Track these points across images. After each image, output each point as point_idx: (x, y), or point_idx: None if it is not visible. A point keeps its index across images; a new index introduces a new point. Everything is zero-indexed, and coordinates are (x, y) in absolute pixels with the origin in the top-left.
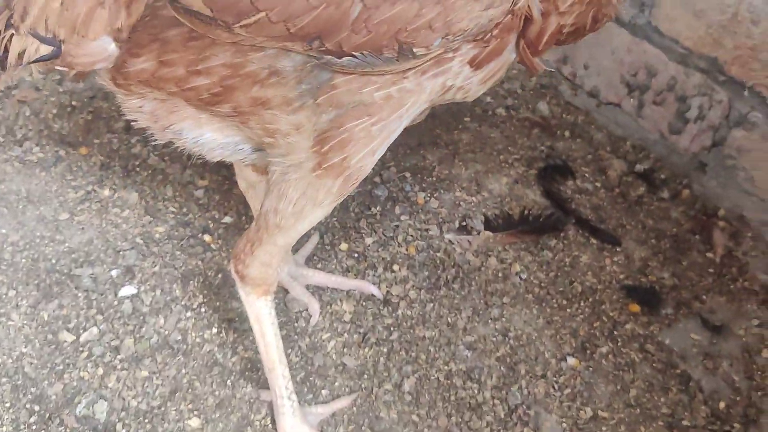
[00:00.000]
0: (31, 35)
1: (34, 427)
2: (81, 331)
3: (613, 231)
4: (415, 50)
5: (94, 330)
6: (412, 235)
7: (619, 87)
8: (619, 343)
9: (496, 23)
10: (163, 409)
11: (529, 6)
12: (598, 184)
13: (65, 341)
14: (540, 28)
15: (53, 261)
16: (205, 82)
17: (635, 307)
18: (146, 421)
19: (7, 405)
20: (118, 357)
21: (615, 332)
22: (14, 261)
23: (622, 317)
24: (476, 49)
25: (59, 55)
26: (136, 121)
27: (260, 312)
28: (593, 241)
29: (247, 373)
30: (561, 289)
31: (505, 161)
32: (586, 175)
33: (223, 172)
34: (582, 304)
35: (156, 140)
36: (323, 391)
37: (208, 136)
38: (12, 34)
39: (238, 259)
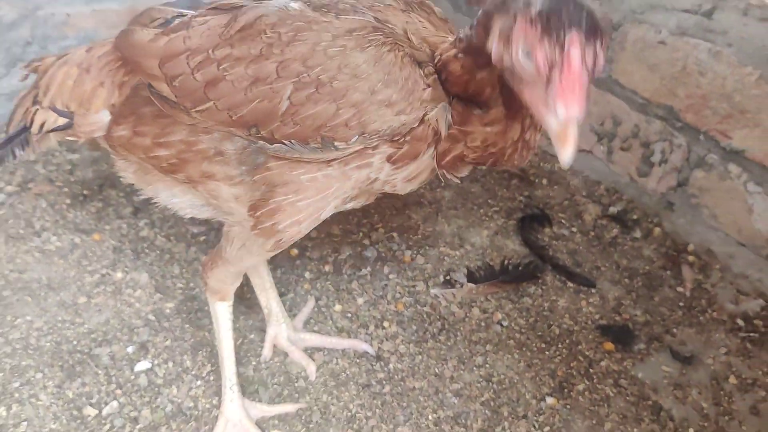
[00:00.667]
0: (50, 109)
1: None
2: (103, 405)
3: (589, 274)
4: (336, 143)
5: (115, 404)
6: (400, 293)
7: (589, 135)
8: (595, 380)
9: (410, 129)
10: None
11: (437, 121)
12: (574, 229)
13: (89, 416)
14: (445, 148)
15: (74, 342)
16: (165, 153)
17: (609, 345)
18: None
19: None
20: (137, 427)
21: (591, 370)
22: (39, 345)
23: (597, 355)
24: (392, 149)
25: (71, 126)
26: (124, 177)
27: (217, 312)
28: (570, 285)
29: None
30: (540, 333)
31: (486, 214)
32: (563, 221)
33: None
34: (560, 345)
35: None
36: None
37: (177, 198)
38: (37, 109)
39: (204, 269)
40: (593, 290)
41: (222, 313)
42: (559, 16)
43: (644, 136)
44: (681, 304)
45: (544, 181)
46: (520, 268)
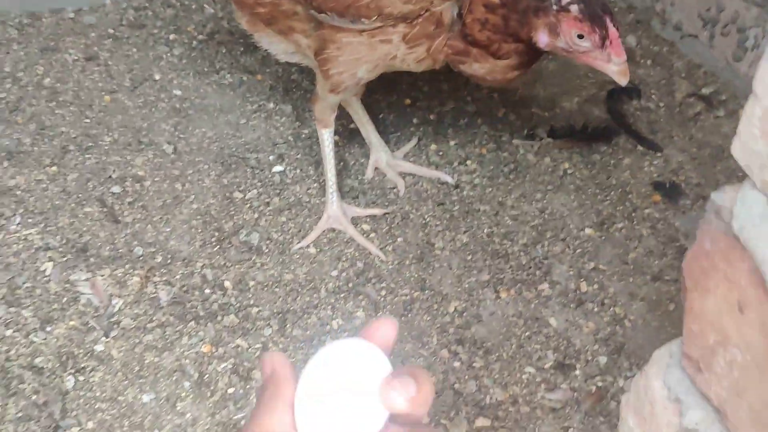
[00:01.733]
0: None
1: (215, 245)
2: (247, 192)
3: (660, 141)
4: (362, 19)
5: (255, 192)
6: (486, 140)
7: (696, 21)
8: (634, 222)
9: (419, 14)
10: (291, 242)
11: (442, 14)
12: (662, 104)
13: (237, 198)
14: (457, 47)
15: (233, 149)
16: (262, 10)
17: (657, 198)
18: (279, 249)
19: (200, 231)
20: (269, 208)
21: (633, 214)
22: (209, 148)
23: (643, 204)
24: (407, 29)
25: None
26: (240, 25)
27: (321, 137)
28: (639, 148)
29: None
30: (597, 181)
31: (581, 85)
32: (653, 96)
33: None
34: (612, 193)
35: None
36: (399, 239)
37: (274, 45)
38: None
39: (311, 103)
40: (659, 154)
41: (325, 137)
42: (593, 11)
43: (741, 22)
44: (740, 174)
45: (648, 62)
46: (597, 130)
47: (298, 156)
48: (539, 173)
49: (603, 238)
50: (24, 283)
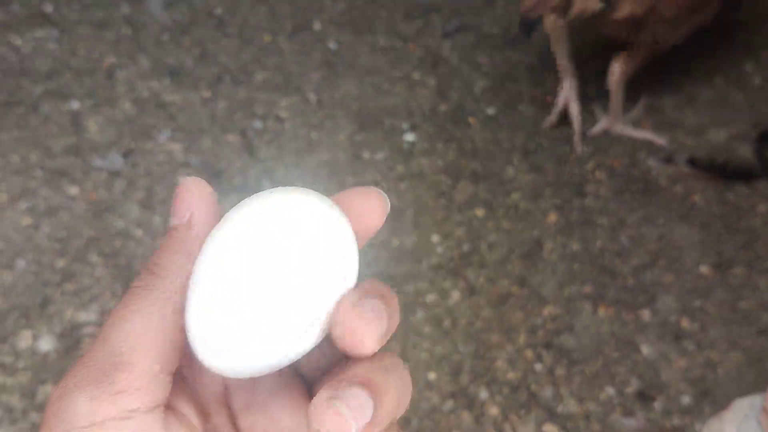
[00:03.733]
0: None
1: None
2: (375, 154)
3: None
4: None
5: (382, 155)
6: (620, 153)
7: None
8: (754, 271)
9: None
10: (406, 211)
11: None
12: None
13: (365, 157)
14: None
15: (372, 110)
16: None
17: None
18: (393, 215)
19: (324, 181)
20: (392, 173)
21: (755, 263)
22: (350, 105)
23: None
24: None
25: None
26: None
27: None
28: None
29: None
30: (726, 221)
31: (734, 119)
32: None
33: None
34: (738, 236)
35: None
36: (511, 231)
37: None
38: None
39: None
40: None
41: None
42: None
43: None
44: None
45: None
46: (739, 169)
47: (431, 130)
48: (667, 199)
49: (717, 279)
50: (161, 191)
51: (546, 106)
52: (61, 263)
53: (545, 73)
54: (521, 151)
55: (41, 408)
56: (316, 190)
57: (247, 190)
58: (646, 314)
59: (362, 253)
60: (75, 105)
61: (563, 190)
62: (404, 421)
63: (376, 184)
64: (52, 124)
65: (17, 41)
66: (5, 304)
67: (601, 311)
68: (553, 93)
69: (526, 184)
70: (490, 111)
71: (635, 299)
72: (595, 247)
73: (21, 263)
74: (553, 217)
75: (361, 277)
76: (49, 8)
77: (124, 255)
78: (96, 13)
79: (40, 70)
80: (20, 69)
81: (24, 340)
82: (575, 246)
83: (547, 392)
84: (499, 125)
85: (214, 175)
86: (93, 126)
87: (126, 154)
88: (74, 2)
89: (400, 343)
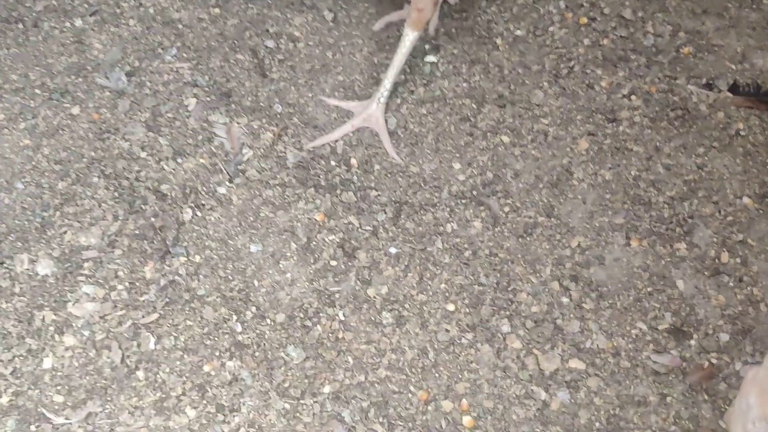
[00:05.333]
0: None
1: None
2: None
3: None
4: None
5: (402, 77)
6: (659, 79)
7: None
8: None
9: None
10: (426, 136)
11: None
12: None
13: (380, 80)
14: None
15: (392, 31)
16: None
17: None
18: (412, 140)
19: None
20: (412, 96)
21: None
22: (368, 24)
23: None
24: None
25: None
26: None
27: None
28: None
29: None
30: None
31: None
32: None
33: None
34: None
35: None
36: (538, 158)
37: None
38: None
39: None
40: None
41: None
42: None
43: None
44: None
45: None
46: None
47: (455, 51)
48: (708, 127)
49: (761, 211)
50: (167, 112)
51: (578, 28)
52: (61, 185)
53: None
54: (551, 74)
55: (37, 334)
56: (333, 113)
57: (258, 111)
58: (682, 247)
59: (378, 179)
60: (78, 22)
61: (595, 116)
62: (421, 352)
63: (396, 107)
64: (53, 42)
65: None
66: (2, 227)
67: (634, 243)
68: (587, 14)
69: (556, 109)
70: (519, 32)
71: (671, 231)
72: (629, 176)
73: (19, 185)
74: (584, 144)
75: (379, 206)
76: None
77: (127, 177)
78: None
79: None
80: None
81: (21, 263)
82: (607, 175)
83: (574, 327)
84: (528, 47)
85: (222, 96)
86: (96, 44)
87: (131, 73)
88: None
89: (418, 273)
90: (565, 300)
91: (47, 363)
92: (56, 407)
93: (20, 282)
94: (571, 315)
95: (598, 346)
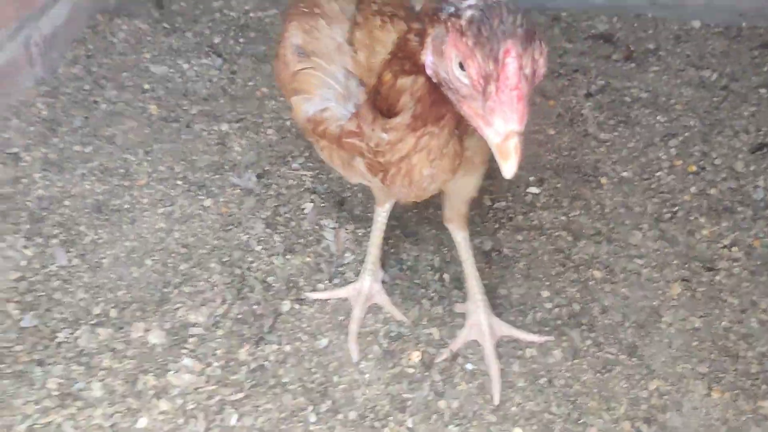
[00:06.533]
0: None
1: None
2: (496, 203)
3: None
4: None
5: (504, 203)
6: (764, 233)
7: None
8: None
9: None
10: (519, 259)
11: None
12: None
13: (486, 204)
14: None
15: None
16: None
17: None
18: (503, 263)
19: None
20: (509, 224)
21: None
22: None
23: None
24: None
25: None
26: None
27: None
28: None
29: None
30: None
31: None
32: None
33: None
34: None
35: None
36: (629, 298)
37: None
38: None
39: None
40: None
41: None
42: (491, 25)
43: None
44: None
45: None
46: None
47: (558, 185)
48: None
49: None
50: (285, 213)
51: (687, 175)
52: (183, 267)
53: (688, 140)
54: (653, 217)
55: (137, 395)
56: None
57: (366, 221)
58: (766, 405)
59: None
60: (224, 127)
61: (693, 262)
62: None
63: (494, 231)
64: (200, 142)
65: (184, 66)
66: (128, 297)
67: (715, 395)
68: (697, 163)
69: (653, 251)
70: (626, 174)
71: (756, 388)
72: (720, 327)
73: (149, 262)
74: (677, 289)
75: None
76: (217, 39)
77: (240, 266)
78: (258, 47)
79: (200, 93)
80: (182, 90)
81: (137, 331)
82: (697, 322)
83: None
84: (633, 189)
85: (336, 203)
86: (236, 147)
87: (261, 175)
88: (240, 36)
89: (490, 393)
90: None
91: (141, 423)
92: None
93: (133, 347)
94: None
95: None
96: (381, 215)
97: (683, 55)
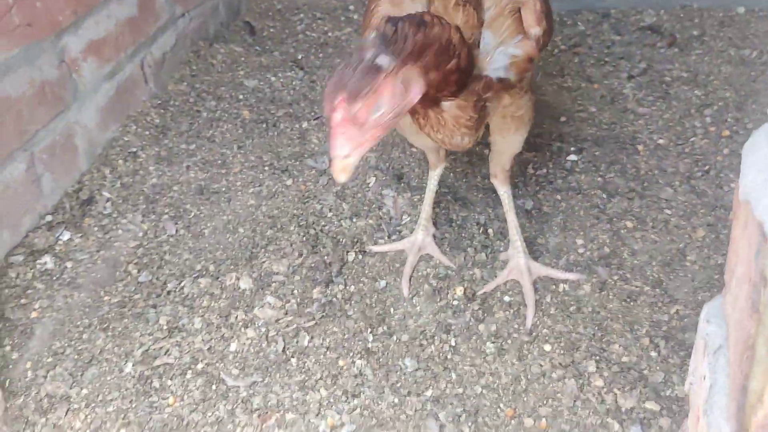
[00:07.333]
0: None
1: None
2: (538, 170)
3: None
4: None
5: (544, 170)
6: None
7: None
8: None
9: None
10: (556, 216)
11: None
12: None
13: (529, 172)
14: None
15: (541, 134)
16: None
17: None
18: (542, 218)
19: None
20: (549, 186)
21: None
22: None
23: None
24: None
25: None
26: None
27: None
28: None
29: None
30: None
31: None
32: None
33: None
34: None
35: None
36: (662, 235)
37: None
38: None
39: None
40: None
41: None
42: (340, 80)
43: None
44: None
45: None
46: None
47: (597, 153)
48: None
49: None
50: (352, 186)
51: (720, 139)
52: (269, 232)
53: (723, 110)
54: (684, 176)
55: (230, 327)
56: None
57: (420, 190)
58: None
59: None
60: (304, 124)
61: (718, 210)
62: (514, 379)
63: (534, 193)
64: (284, 137)
65: (272, 78)
66: (223, 256)
67: None
68: (731, 128)
69: (682, 203)
70: (661, 141)
71: None
72: None
73: (241, 230)
74: (701, 233)
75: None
76: (300, 56)
77: (314, 228)
78: (334, 60)
79: (284, 100)
80: (270, 98)
81: (230, 279)
82: (720, 260)
83: (658, 377)
84: (667, 153)
85: (396, 177)
86: (314, 139)
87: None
88: (320, 52)
89: (524, 318)
90: (653, 354)
91: (232, 347)
92: (232, 375)
93: (226, 291)
94: (657, 367)
95: (677, 396)
96: (433, 178)
97: (726, 38)
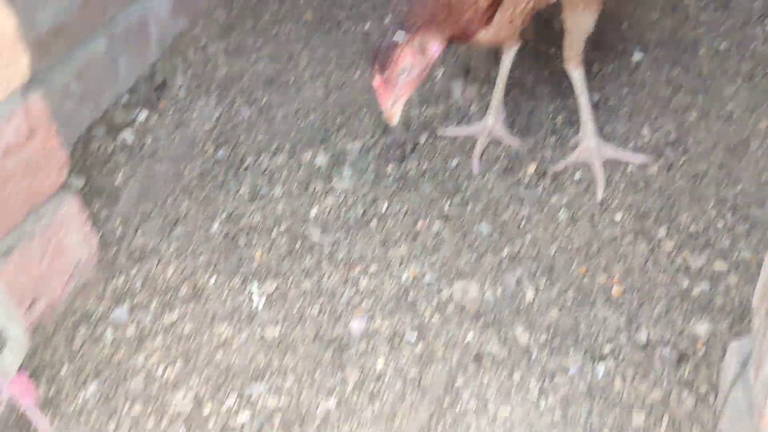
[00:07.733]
0: None
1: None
2: (603, 69)
3: None
4: None
5: (610, 68)
6: None
7: None
8: None
9: None
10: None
11: None
12: None
13: (594, 71)
14: None
15: (610, 35)
16: None
17: None
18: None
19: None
20: (615, 82)
21: None
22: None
23: None
24: None
25: None
26: None
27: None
28: None
29: None
30: None
31: None
32: None
33: None
34: None
35: None
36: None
37: None
38: None
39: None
40: None
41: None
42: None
43: None
44: None
45: None
46: None
47: (660, 55)
48: None
49: None
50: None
51: None
52: (339, 119)
53: None
54: (746, 77)
55: (310, 195)
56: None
57: (487, 82)
58: None
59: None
60: (367, 26)
61: None
62: (587, 243)
63: (600, 86)
64: (348, 36)
65: None
66: (297, 137)
67: None
68: None
69: (744, 99)
70: (723, 46)
71: None
72: None
73: (312, 116)
74: (765, 124)
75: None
76: None
77: None
78: None
79: (346, 3)
80: (332, 1)
81: (306, 156)
82: None
83: (725, 243)
84: (729, 56)
85: (463, 70)
86: (373, 38)
87: None
88: None
89: (593, 193)
90: (720, 224)
91: (313, 212)
92: (315, 234)
93: (304, 166)
94: (723, 235)
95: (744, 257)
96: (505, 61)
97: None
